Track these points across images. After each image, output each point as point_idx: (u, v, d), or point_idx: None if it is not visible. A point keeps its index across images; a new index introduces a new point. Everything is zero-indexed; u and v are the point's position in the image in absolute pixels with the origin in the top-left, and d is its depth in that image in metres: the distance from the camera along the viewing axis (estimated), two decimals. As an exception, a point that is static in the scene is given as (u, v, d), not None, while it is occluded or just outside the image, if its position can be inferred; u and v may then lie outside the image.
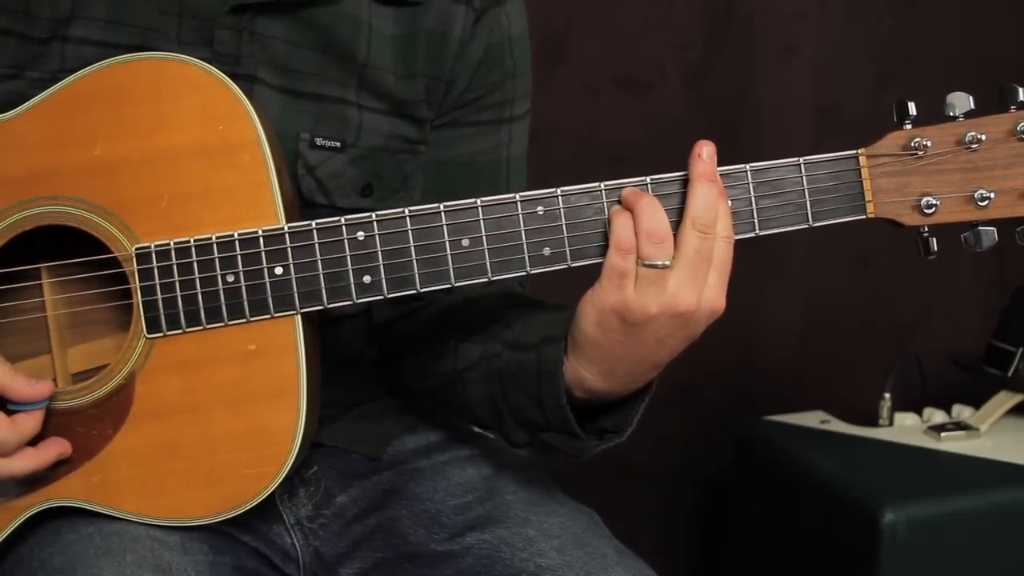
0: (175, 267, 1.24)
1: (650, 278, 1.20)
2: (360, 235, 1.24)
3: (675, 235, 1.21)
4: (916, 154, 1.25)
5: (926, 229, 1.26)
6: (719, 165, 1.23)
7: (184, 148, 1.24)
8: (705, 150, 1.22)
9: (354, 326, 1.49)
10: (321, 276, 1.24)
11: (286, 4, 1.35)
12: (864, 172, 1.25)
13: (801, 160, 1.25)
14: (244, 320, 1.25)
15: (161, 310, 1.25)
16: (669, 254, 1.20)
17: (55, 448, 1.24)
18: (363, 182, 1.40)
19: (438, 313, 1.46)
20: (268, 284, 1.24)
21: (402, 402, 1.55)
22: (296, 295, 1.24)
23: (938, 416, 2.40)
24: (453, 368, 1.40)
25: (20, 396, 1.22)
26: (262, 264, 1.24)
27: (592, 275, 1.24)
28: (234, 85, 1.24)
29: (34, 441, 1.24)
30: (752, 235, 1.25)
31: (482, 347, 1.37)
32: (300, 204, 1.35)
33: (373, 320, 1.51)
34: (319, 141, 1.37)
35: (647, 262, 1.19)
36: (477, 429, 1.55)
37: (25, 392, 1.22)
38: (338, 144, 1.38)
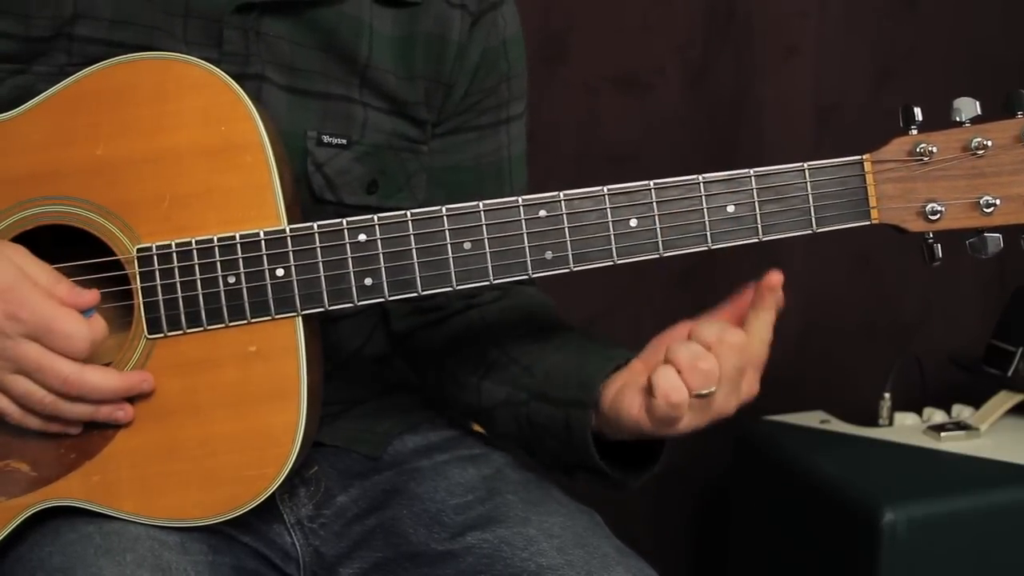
0: (176, 268, 1.24)
1: (701, 404, 1.23)
2: (362, 237, 1.24)
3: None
4: (922, 160, 1.24)
5: (931, 235, 1.26)
6: (718, 167, 1.24)
7: (186, 149, 1.24)
8: (773, 278, 1.26)
9: (354, 325, 1.49)
10: (322, 278, 1.24)
11: (291, 4, 1.35)
12: (869, 178, 1.25)
13: (805, 165, 1.25)
14: (245, 321, 1.25)
15: (162, 311, 1.25)
16: (716, 381, 1.22)
17: (138, 376, 1.24)
18: (369, 179, 1.41)
19: (456, 337, 1.48)
20: (269, 286, 1.24)
21: (402, 401, 1.55)
22: (297, 297, 1.24)
23: (938, 416, 2.40)
24: (479, 403, 1.43)
25: (65, 302, 1.20)
26: (263, 266, 1.24)
27: (596, 277, 1.24)
28: (237, 86, 1.24)
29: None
30: (755, 241, 1.26)
31: (506, 391, 1.40)
32: (311, 201, 1.36)
33: (392, 329, 1.52)
34: (325, 138, 1.38)
35: (698, 393, 1.22)
36: (479, 429, 1.55)
37: (70, 299, 1.21)
38: (344, 141, 1.39)
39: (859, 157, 1.26)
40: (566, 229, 1.24)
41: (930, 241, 1.27)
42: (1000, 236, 1.26)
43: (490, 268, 1.24)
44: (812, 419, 2.42)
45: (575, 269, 1.25)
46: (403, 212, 1.24)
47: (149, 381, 1.24)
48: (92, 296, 1.22)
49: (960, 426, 2.32)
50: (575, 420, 1.32)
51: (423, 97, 1.43)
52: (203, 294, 1.24)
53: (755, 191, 1.25)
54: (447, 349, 1.49)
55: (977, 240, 1.26)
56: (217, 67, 1.26)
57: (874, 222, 1.26)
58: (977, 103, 1.24)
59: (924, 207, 1.25)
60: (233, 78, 1.25)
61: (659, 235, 1.25)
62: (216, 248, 1.24)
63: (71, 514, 1.25)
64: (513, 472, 1.44)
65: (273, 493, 1.25)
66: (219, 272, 1.24)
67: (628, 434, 1.29)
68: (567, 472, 1.39)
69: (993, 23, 2.77)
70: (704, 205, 1.25)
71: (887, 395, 2.39)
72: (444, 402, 1.52)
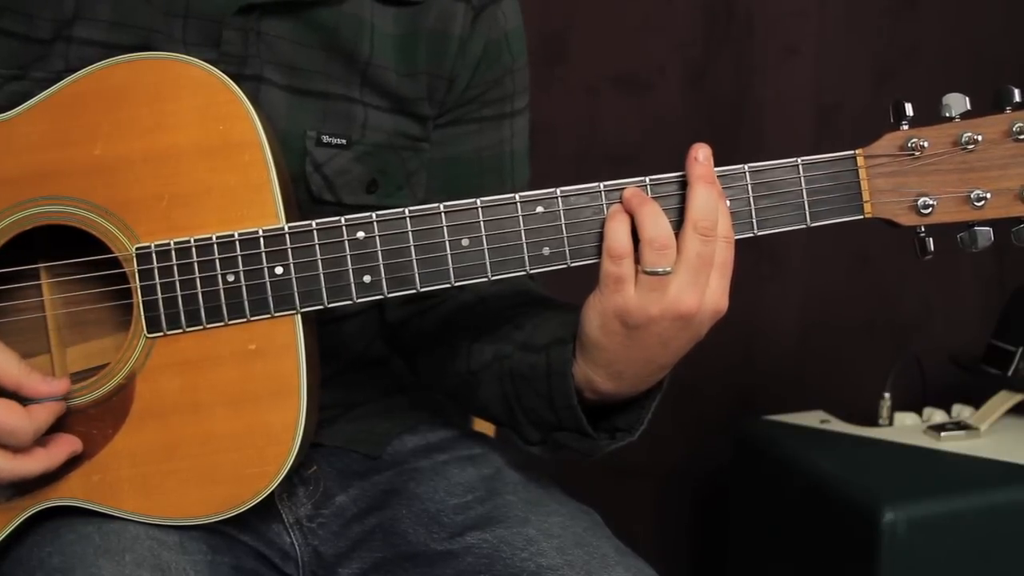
0: (175, 267, 1.24)
1: (651, 284, 1.21)
2: (360, 235, 1.24)
3: (676, 237, 1.21)
4: (913, 154, 1.25)
5: (923, 229, 1.27)
6: (718, 165, 1.24)
7: (185, 148, 1.24)
8: (701, 152, 1.23)
9: (354, 325, 1.49)
10: (321, 276, 1.24)
11: (292, 5, 1.35)
12: (862, 172, 1.26)
13: (799, 160, 1.26)
14: (244, 320, 1.25)
15: (161, 309, 1.25)
16: (672, 260, 1.21)
17: (66, 447, 1.24)
18: (368, 179, 1.41)
19: (451, 312, 1.47)
20: (268, 284, 1.24)
21: (402, 402, 1.55)
22: (296, 295, 1.24)
23: (938, 416, 2.40)
24: (467, 368, 1.41)
25: (35, 392, 1.21)
26: (262, 264, 1.24)
27: (592, 274, 1.24)
28: (235, 85, 1.24)
29: (41, 440, 1.23)
30: (750, 235, 1.26)
31: (495, 348, 1.38)
32: (309, 202, 1.36)
33: (386, 320, 1.52)
34: (325, 138, 1.38)
35: (649, 269, 1.21)
36: (478, 429, 1.55)
37: (41, 389, 1.21)
38: (344, 141, 1.39)
39: (851, 152, 1.26)
40: (563, 225, 1.25)
41: (922, 235, 1.27)
42: (990, 230, 1.26)
43: (488, 264, 1.25)
44: (812, 419, 2.42)
45: (572, 265, 1.25)
46: (401, 209, 1.24)
47: (71, 449, 1.24)
48: (60, 386, 1.23)
49: (960, 426, 2.32)
50: (555, 357, 1.30)
51: (425, 92, 1.43)
52: (202, 292, 1.24)
53: (749, 186, 1.25)
54: (442, 326, 1.48)
55: (967, 234, 1.27)
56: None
57: (867, 216, 1.27)
58: (967, 99, 1.25)
59: (916, 201, 1.26)
60: (230, 79, 1.26)
61: (655, 231, 1.25)
62: (215, 246, 1.24)
63: (70, 515, 1.25)
64: (513, 472, 1.44)
65: (272, 492, 1.25)
66: (218, 270, 1.24)
67: (593, 351, 1.26)
68: (546, 442, 1.36)
69: (994, 22, 2.77)
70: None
71: (887, 395, 2.39)
72: (435, 377, 1.50)
